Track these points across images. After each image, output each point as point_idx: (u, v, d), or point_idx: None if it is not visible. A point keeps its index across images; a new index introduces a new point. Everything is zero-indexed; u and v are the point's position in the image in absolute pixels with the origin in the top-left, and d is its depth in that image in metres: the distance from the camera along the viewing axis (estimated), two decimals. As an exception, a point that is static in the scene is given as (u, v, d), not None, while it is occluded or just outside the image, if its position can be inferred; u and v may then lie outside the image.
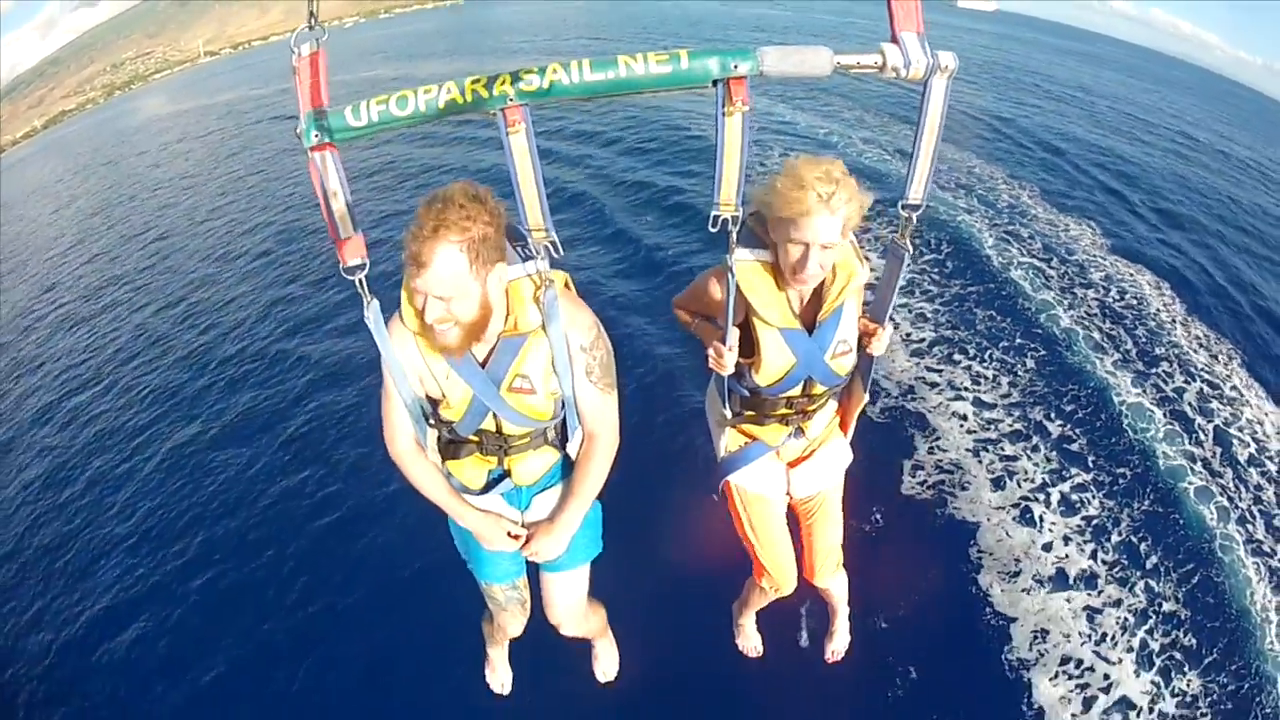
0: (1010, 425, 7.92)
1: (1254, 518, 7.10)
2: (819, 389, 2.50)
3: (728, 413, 2.62)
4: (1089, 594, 6.18)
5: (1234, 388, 9.06)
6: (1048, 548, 6.55)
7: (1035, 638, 5.81)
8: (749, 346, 2.40)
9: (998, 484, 7.16)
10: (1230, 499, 7.24)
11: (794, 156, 2.17)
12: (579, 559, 2.69)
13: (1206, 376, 9.18)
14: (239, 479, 7.92)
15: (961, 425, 7.95)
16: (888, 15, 1.79)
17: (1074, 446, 7.73)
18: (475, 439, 2.32)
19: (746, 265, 2.28)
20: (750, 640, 3.66)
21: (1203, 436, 8.09)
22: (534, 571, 2.77)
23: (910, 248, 2.18)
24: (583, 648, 3.37)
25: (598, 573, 2.84)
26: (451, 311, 1.96)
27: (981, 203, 14.32)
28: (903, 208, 2.08)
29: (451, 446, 2.36)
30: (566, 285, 2.24)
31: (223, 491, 7.80)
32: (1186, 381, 8.97)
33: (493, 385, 2.15)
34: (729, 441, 2.74)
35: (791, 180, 2.09)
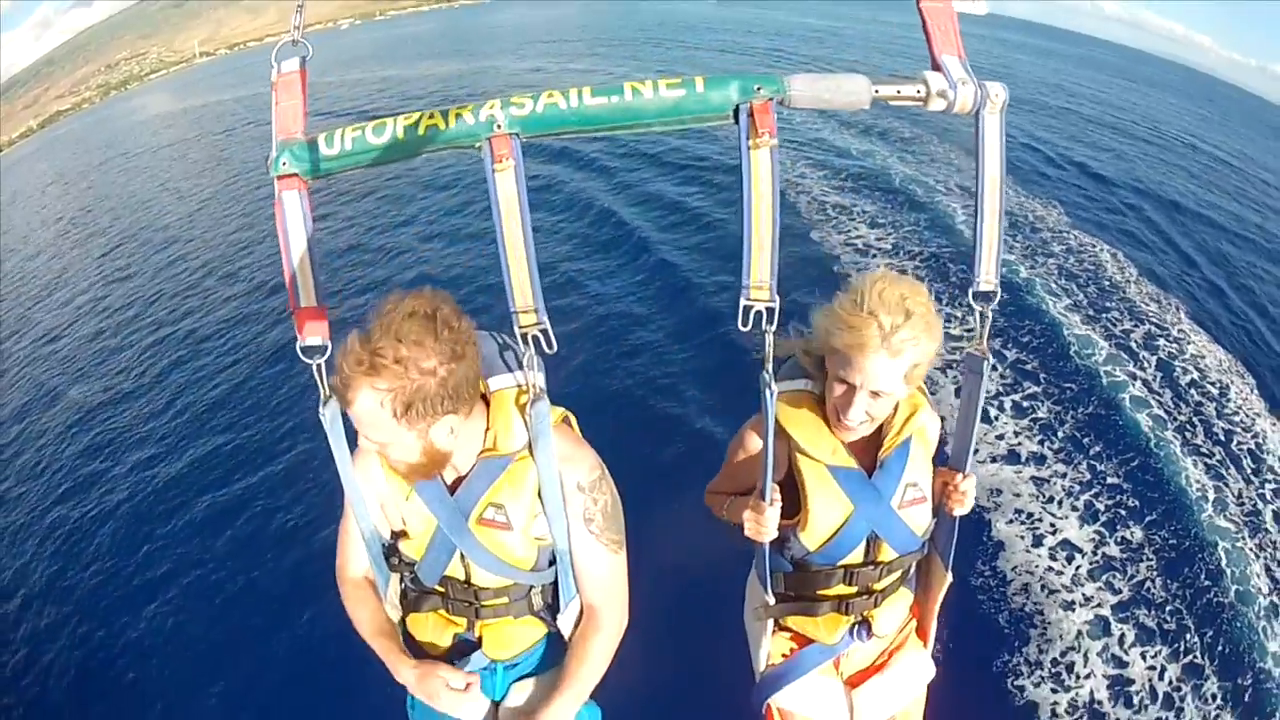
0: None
1: (1178, 408, 8.71)
2: (887, 554, 1.93)
3: (770, 598, 1.99)
4: (1037, 468, 7.48)
5: (1180, 330, 10.61)
6: (1001, 437, 7.88)
7: (990, 494, 7.14)
8: (794, 505, 1.88)
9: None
10: (1165, 410, 8.67)
11: (870, 273, 1.75)
12: None
13: (1155, 321, 10.68)
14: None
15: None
16: (925, 38, 1.56)
17: (1027, 367, 9.05)
18: (441, 589, 1.86)
19: (786, 393, 1.86)
20: None
21: (1146, 365, 9.54)
22: None
23: (989, 355, 1.70)
24: None
25: None
26: (387, 453, 1.64)
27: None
28: (974, 298, 1.63)
29: (414, 599, 1.90)
30: (566, 421, 1.88)
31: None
32: (1135, 324, 10.50)
33: (460, 515, 1.74)
34: (772, 648, 2.10)
35: (853, 302, 1.70)
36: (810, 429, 1.87)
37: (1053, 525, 6.87)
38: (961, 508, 1.88)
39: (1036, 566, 6.53)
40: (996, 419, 8.12)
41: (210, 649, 6.27)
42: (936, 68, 1.56)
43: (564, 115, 1.54)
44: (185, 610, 6.75)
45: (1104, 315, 10.57)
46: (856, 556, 1.93)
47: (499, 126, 1.53)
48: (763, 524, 1.78)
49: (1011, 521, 6.87)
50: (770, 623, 2.07)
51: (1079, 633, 6.04)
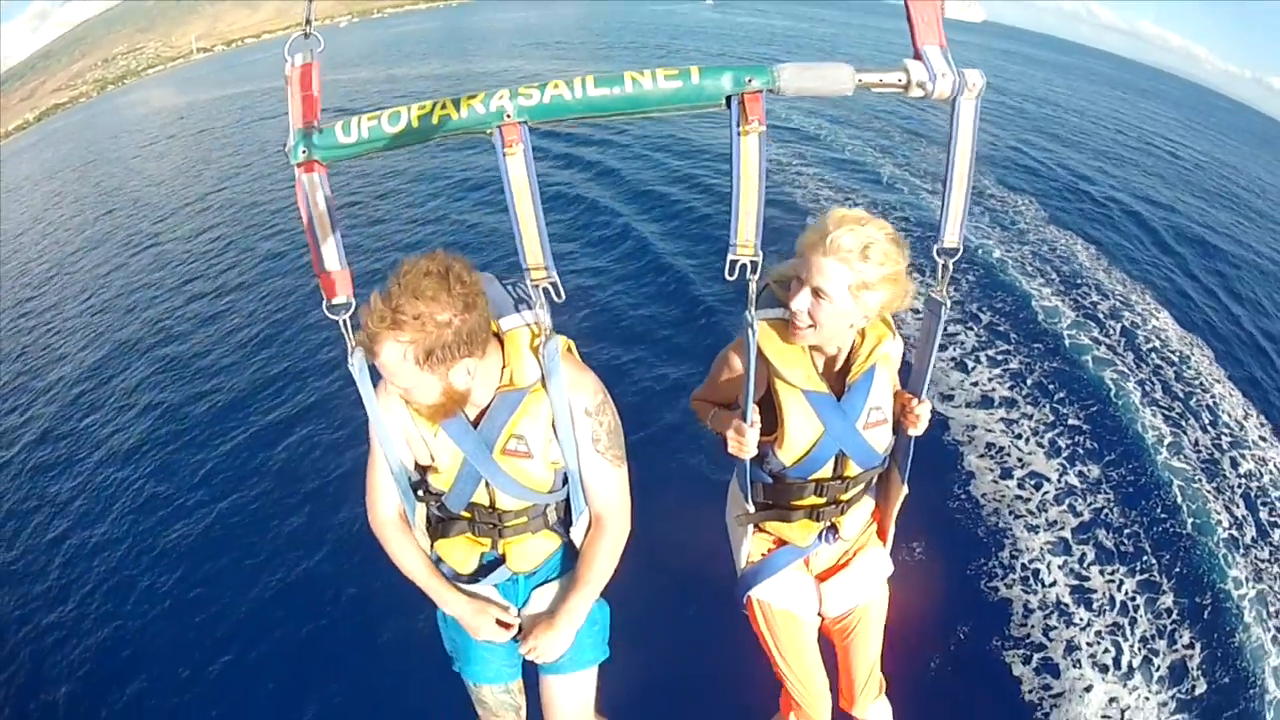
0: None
1: (1138, 368, 9.78)
2: (852, 469, 2.18)
3: (750, 507, 2.28)
4: (1007, 410, 8.56)
5: (1144, 308, 11.72)
6: (975, 384, 8.99)
7: (964, 428, 8.20)
8: (772, 423, 2.11)
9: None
10: (1127, 368, 9.77)
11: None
12: (583, 661, 2.32)
13: (1121, 299, 11.81)
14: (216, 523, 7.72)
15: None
16: (909, 28, 1.67)
17: (1000, 328, 10.22)
18: (467, 515, 2.07)
19: (766, 322, 2.04)
20: None
21: (1110, 332, 10.65)
22: (532, 676, 2.42)
23: (948, 300, 1.90)
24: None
25: (604, 683, 2.46)
26: (411, 396, 1.82)
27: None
28: (937, 253, 1.82)
29: (441, 524, 2.12)
30: (570, 350, 2.05)
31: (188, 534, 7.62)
32: (1101, 298, 11.67)
33: (485, 447, 1.94)
34: (751, 548, 2.40)
35: (818, 221, 1.93)
36: (787, 356, 2.07)
37: (1020, 460, 7.82)
38: (916, 429, 2.12)
39: (1005, 494, 7.44)
40: (972, 369, 9.24)
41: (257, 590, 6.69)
42: (918, 57, 1.66)
43: (569, 104, 1.65)
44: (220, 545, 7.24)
45: (1073, 291, 11.69)
46: (826, 472, 2.17)
47: (508, 115, 1.65)
48: (744, 444, 2.02)
49: (983, 456, 7.84)
50: (750, 526, 2.36)
51: (1044, 548, 6.92)
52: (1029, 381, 9.10)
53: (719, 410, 2.26)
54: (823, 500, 2.24)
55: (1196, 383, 9.75)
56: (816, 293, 1.93)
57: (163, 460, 8.86)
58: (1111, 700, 5.98)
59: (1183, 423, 8.85)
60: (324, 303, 1.84)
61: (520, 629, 2.22)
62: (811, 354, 2.10)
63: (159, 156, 26.15)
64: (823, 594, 2.44)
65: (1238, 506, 7.76)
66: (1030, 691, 5.96)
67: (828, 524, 2.29)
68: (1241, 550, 7.24)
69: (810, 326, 1.98)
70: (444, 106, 1.70)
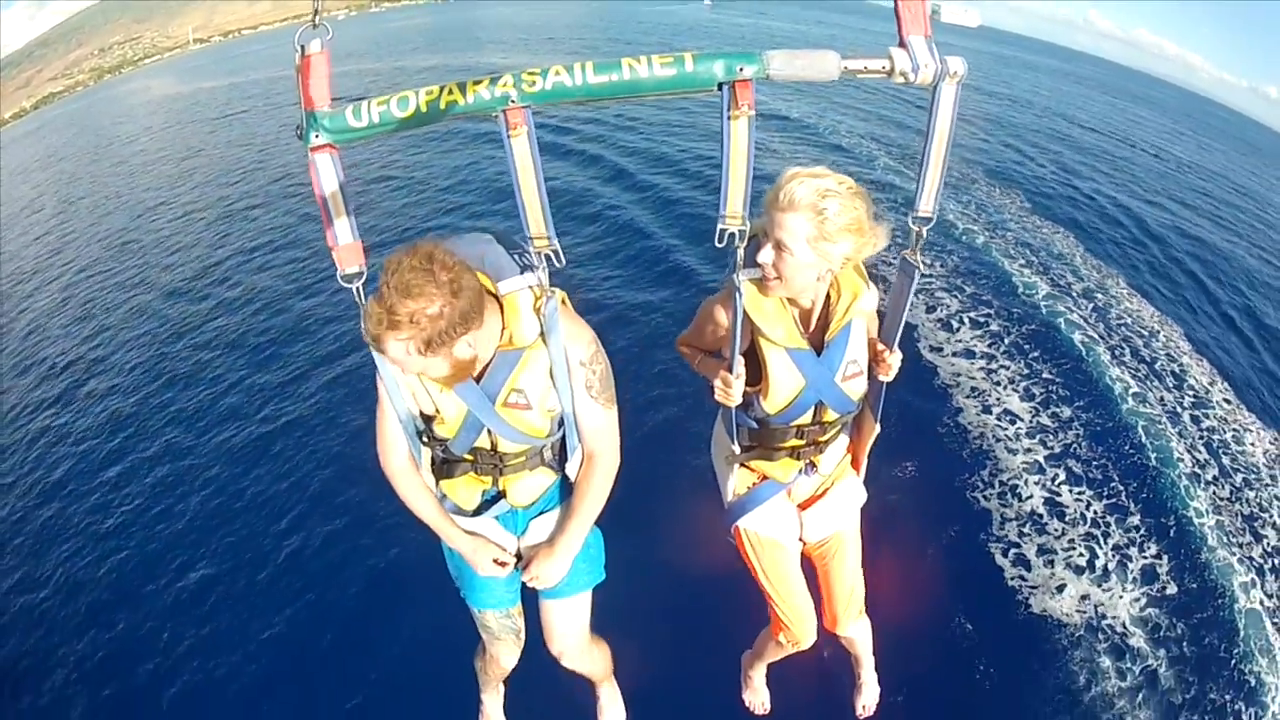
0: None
1: (1109, 336, 10.67)
2: (830, 416, 2.37)
3: (735, 448, 2.47)
4: (986, 362, 9.49)
5: (1118, 290, 12.63)
6: (960, 340, 9.90)
7: (950, 374, 9.13)
8: (755, 373, 2.28)
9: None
10: (1098, 335, 10.66)
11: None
12: (580, 585, 2.56)
13: (1095, 281, 12.65)
14: (227, 488, 7.80)
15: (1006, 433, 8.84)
16: (895, 18, 1.76)
17: (983, 296, 11.10)
18: (470, 457, 2.25)
19: (749, 280, 2.15)
20: (759, 695, 3.39)
21: (1082, 306, 11.54)
22: (531, 600, 2.64)
23: (921, 264, 2.03)
24: (586, 701, 3.20)
25: (600, 606, 2.68)
26: (425, 376, 2.00)
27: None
28: (912, 220, 1.95)
29: (446, 465, 2.30)
30: (564, 302, 2.17)
31: (211, 499, 7.71)
32: (1076, 280, 12.54)
33: (487, 400, 2.09)
34: (737, 483, 2.60)
35: (779, 178, 2.06)
36: (769, 314, 2.21)
37: (999, 399, 8.87)
38: (887, 376, 2.29)
39: (987, 424, 8.41)
40: (957, 329, 10.24)
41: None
42: (903, 46, 1.75)
43: (569, 89, 1.76)
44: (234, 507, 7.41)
45: (1050, 272, 12.66)
46: (806, 419, 2.37)
47: (513, 100, 1.76)
48: (730, 395, 2.22)
49: (968, 396, 8.83)
50: (736, 464, 2.56)
51: (1021, 468, 7.79)
52: (1007, 341, 10.13)
53: (705, 356, 2.45)
54: (803, 442, 2.44)
55: (1163, 352, 10.73)
56: (778, 246, 2.05)
57: (172, 427, 8.96)
58: (1084, 597, 6.45)
59: (1148, 382, 9.81)
60: (338, 273, 1.98)
61: (519, 558, 2.42)
62: (790, 308, 2.23)
63: (158, 142, 26.14)
64: (804, 521, 2.65)
65: (1199, 451, 8.55)
66: (1011, 580, 6.54)
67: (807, 461, 2.50)
68: (1203, 485, 7.97)
69: (776, 279, 2.11)
70: (450, 91, 1.80)
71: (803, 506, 2.65)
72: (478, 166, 16.26)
